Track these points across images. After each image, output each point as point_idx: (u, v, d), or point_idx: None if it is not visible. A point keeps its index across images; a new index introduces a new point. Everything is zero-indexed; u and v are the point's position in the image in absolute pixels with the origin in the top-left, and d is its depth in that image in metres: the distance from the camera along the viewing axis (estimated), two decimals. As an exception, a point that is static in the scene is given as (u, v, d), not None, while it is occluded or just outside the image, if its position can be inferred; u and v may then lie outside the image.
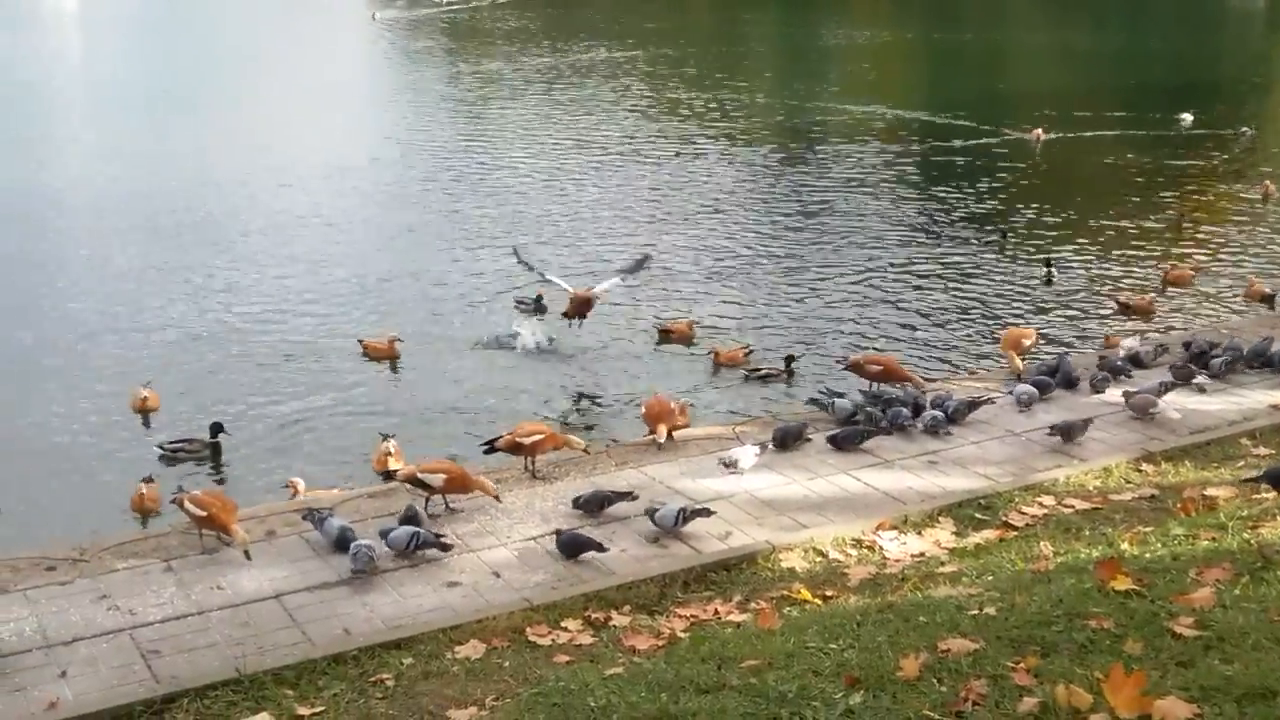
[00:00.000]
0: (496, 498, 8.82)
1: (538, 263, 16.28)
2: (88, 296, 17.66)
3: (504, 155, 28.06)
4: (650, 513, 8.44)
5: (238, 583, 7.74)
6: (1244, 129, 29.79)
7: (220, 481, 11.86)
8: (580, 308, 15.15)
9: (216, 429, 12.51)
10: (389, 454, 11.53)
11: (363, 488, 9.78)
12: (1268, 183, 22.34)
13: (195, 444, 12.42)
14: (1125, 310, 16.13)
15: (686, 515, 8.34)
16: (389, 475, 9.04)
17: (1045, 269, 18.35)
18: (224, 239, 20.85)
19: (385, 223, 22.18)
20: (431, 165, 27.08)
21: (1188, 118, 30.25)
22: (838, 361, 13.21)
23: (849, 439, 9.85)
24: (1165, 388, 10.73)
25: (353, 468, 11.98)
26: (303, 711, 6.18)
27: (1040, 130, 27.60)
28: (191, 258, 19.59)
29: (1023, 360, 12.01)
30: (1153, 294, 16.80)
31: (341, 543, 8.06)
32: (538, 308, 16.54)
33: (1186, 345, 12.18)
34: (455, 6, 57.61)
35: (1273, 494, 8.00)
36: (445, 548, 8.11)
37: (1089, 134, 29.07)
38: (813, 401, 11.01)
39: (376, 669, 6.65)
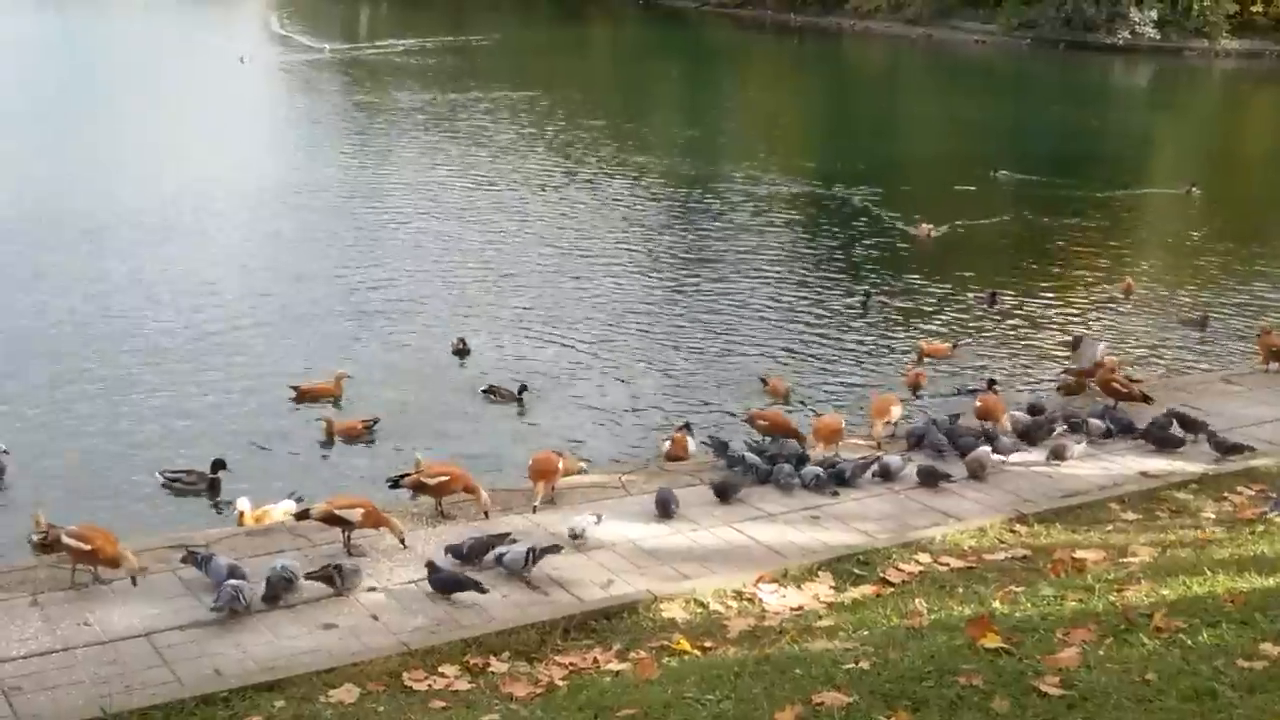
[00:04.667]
0: (402, 540, 8.72)
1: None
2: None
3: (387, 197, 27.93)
4: (498, 557, 8.37)
5: (107, 619, 7.55)
6: (1190, 186, 29.97)
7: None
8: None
9: (218, 465, 12.09)
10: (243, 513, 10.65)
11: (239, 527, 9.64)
12: (1129, 279, 21.34)
13: (194, 475, 12.04)
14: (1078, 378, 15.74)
15: (536, 554, 8.32)
16: (302, 516, 8.91)
17: (865, 298, 19.54)
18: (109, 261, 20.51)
19: (285, 257, 21.99)
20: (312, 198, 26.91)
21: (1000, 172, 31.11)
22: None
23: (735, 488, 9.97)
24: (1014, 448, 11.17)
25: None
26: (168, 753, 6.05)
27: (929, 226, 25.48)
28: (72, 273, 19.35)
29: (895, 425, 12.12)
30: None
31: (235, 575, 7.88)
32: (461, 350, 16.36)
33: (1031, 409, 12.47)
34: (338, 48, 56.69)
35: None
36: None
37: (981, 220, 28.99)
38: (726, 457, 10.85)
39: (247, 711, 6.53)
